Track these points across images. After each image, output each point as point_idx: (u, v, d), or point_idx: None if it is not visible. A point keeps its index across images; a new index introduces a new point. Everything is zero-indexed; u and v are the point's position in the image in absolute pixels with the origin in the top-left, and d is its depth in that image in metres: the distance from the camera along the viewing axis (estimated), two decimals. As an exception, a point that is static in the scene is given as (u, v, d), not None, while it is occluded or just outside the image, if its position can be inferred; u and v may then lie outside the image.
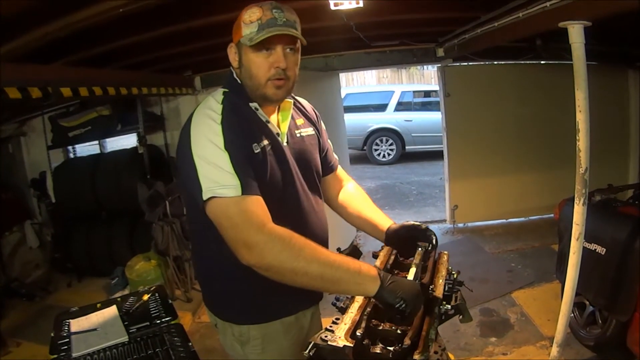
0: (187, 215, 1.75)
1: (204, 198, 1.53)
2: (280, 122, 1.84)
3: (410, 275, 1.62)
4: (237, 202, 1.51)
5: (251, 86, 1.71)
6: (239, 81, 1.76)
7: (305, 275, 1.48)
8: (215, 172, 1.53)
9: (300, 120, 1.94)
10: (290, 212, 1.76)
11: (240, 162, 1.55)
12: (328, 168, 2.09)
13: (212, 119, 1.60)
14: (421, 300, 1.51)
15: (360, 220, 2.04)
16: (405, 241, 1.87)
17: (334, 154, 2.14)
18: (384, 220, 1.98)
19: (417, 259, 1.75)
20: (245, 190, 1.52)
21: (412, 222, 1.90)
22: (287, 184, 1.76)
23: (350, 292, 1.56)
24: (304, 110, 2.02)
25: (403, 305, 1.44)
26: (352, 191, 2.14)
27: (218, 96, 1.71)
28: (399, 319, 1.48)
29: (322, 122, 2.10)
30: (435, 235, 1.87)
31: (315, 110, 2.10)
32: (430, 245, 1.83)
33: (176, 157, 1.76)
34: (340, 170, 2.16)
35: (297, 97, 2.01)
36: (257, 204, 1.54)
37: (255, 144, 1.66)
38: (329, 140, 2.13)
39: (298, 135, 1.89)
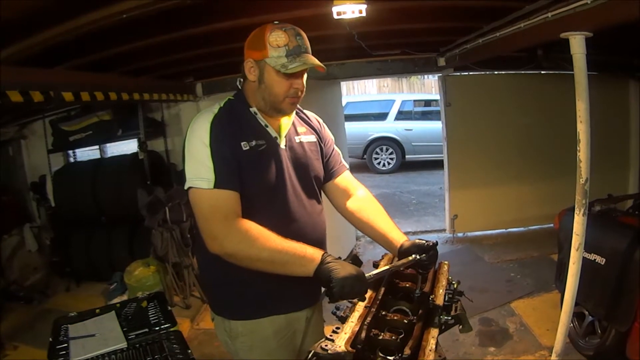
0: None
1: (185, 188, 1.75)
2: (281, 127, 1.95)
3: (373, 272, 1.67)
4: (208, 196, 1.70)
5: (269, 101, 1.86)
6: (240, 89, 1.94)
7: (259, 261, 1.67)
8: (196, 165, 1.72)
9: (302, 128, 2.05)
10: (279, 210, 1.87)
11: (221, 158, 1.72)
12: (330, 173, 2.14)
13: (206, 119, 1.78)
14: (355, 284, 1.55)
15: (373, 231, 2.07)
16: None
17: (342, 160, 2.21)
18: (398, 236, 2.00)
19: (401, 261, 1.76)
20: (219, 184, 1.70)
21: (424, 242, 1.87)
22: (279, 183, 1.87)
23: (296, 273, 1.66)
24: (307, 119, 2.13)
25: (333, 283, 1.53)
26: (364, 199, 2.16)
27: (222, 101, 1.90)
28: (330, 295, 1.55)
29: (326, 129, 2.19)
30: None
31: (318, 119, 2.20)
32: (423, 256, 1.81)
33: None
34: (348, 177, 2.20)
35: (304, 110, 2.13)
36: (228, 198, 1.72)
37: (245, 142, 1.81)
38: (336, 147, 2.20)
39: (297, 141, 2.00)
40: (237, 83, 1.95)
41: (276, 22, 1.81)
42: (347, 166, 2.24)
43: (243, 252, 1.67)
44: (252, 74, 1.85)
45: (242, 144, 1.80)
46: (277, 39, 1.76)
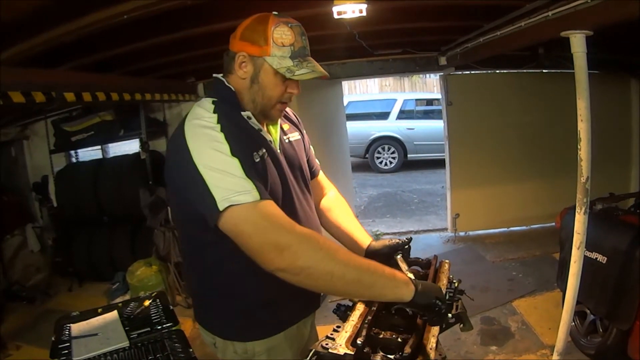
0: (183, 235, 1.71)
1: (221, 209, 1.43)
2: (271, 129, 1.81)
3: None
4: (256, 207, 1.44)
5: (260, 103, 1.69)
6: (232, 89, 1.70)
7: (341, 279, 1.44)
8: (227, 179, 1.44)
9: (286, 126, 1.93)
10: (296, 219, 1.71)
11: (250, 167, 1.50)
12: (312, 172, 2.06)
13: (210, 127, 1.51)
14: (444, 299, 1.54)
15: (339, 231, 2.02)
16: (389, 258, 1.84)
17: (315, 159, 2.12)
18: (364, 237, 1.97)
19: (404, 266, 1.78)
20: (263, 195, 1.46)
21: (395, 240, 1.90)
22: (285, 190, 1.74)
23: (385, 297, 1.53)
24: (287, 115, 2.00)
25: (440, 305, 1.47)
26: (333, 200, 2.12)
27: (207, 106, 1.62)
28: (436, 320, 1.51)
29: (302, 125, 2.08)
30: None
31: (296, 114, 2.07)
32: (404, 253, 1.85)
33: (167, 176, 1.67)
34: (322, 177, 2.14)
35: None
36: (276, 207, 1.49)
37: (255, 153, 1.61)
38: (311, 146, 2.11)
39: (287, 141, 1.88)
40: (224, 81, 1.72)
41: (275, 12, 1.62)
42: (318, 163, 2.15)
43: (322, 265, 1.42)
44: (243, 70, 1.65)
45: (253, 155, 1.60)
46: (282, 37, 1.58)
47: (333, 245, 1.46)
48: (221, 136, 1.49)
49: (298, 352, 1.88)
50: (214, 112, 1.57)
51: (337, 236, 2.03)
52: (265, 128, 1.77)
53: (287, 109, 1.97)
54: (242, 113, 1.68)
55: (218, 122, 1.53)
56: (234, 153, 1.47)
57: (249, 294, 1.68)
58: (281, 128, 1.87)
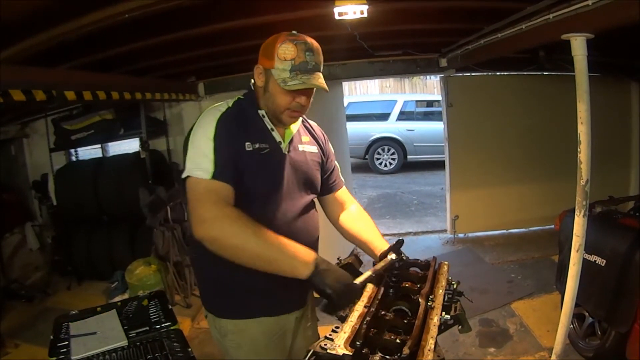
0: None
1: (183, 176, 1.74)
2: (286, 132, 1.97)
3: (361, 279, 1.70)
4: (204, 182, 1.69)
5: (271, 109, 1.89)
6: (253, 90, 1.95)
7: (243, 251, 1.63)
8: (197, 156, 1.73)
9: (305, 138, 2.08)
10: (275, 212, 1.88)
11: (223, 152, 1.73)
12: (329, 187, 2.20)
13: (213, 116, 1.80)
14: (350, 294, 1.64)
15: (359, 241, 2.14)
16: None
17: (340, 175, 2.25)
18: (380, 244, 2.05)
19: (379, 265, 1.81)
20: (217, 176, 1.69)
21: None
22: (277, 187, 1.89)
23: (283, 273, 1.64)
24: (312, 131, 2.16)
25: (330, 293, 1.57)
26: (354, 213, 2.24)
27: (230, 101, 1.91)
28: (327, 305, 1.63)
29: (329, 144, 2.22)
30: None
31: (323, 133, 2.22)
32: (396, 258, 1.87)
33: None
34: (344, 191, 2.27)
35: (309, 120, 2.16)
36: (223, 189, 1.70)
37: (249, 143, 1.83)
38: (336, 162, 2.24)
39: (300, 149, 2.02)
40: (250, 83, 1.95)
41: (294, 32, 1.82)
42: (344, 180, 2.29)
43: (228, 238, 1.62)
44: (260, 79, 1.87)
45: (246, 144, 1.81)
46: (285, 52, 1.76)
47: (245, 222, 1.64)
48: (214, 122, 1.77)
49: (276, 344, 2.00)
50: (232, 105, 1.88)
51: (359, 245, 2.14)
52: (282, 132, 1.96)
53: (316, 127, 2.20)
54: (259, 111, 1.92)
55: (223, 112, 1.82)
56: (215, 137, 1.73)
57: (224, 275, 1.87)
58: (299, 137, 2.05)
